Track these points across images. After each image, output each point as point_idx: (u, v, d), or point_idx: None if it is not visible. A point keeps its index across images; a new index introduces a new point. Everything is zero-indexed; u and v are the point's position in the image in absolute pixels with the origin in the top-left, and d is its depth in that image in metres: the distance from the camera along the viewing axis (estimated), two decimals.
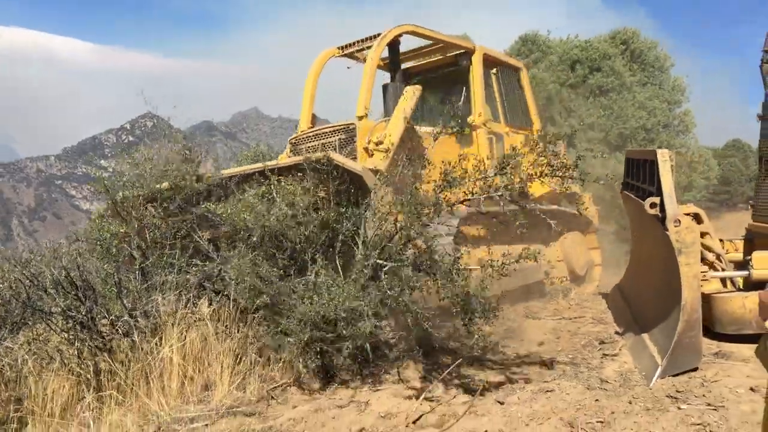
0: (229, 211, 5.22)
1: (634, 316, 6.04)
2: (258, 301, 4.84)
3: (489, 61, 8.89)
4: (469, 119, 8.33)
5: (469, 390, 4.81)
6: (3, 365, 4.75)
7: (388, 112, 8.04)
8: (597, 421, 4.00)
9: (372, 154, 6.90)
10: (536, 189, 8.40)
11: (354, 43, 8.19)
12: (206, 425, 4.17)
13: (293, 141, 8.03)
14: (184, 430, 4.10)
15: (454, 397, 4.71)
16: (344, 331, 4.63)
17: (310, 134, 7.89)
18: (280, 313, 4.82)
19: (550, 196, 8.87)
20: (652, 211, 5.05)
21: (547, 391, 4.61)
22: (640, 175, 5.91)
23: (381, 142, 6.92)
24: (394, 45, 8.43)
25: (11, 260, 5.43)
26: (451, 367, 5.06)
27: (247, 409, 4.36)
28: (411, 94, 7.34)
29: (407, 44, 9.13)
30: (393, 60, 8.60)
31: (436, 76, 9.31)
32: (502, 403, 4.44)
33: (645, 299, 5.87)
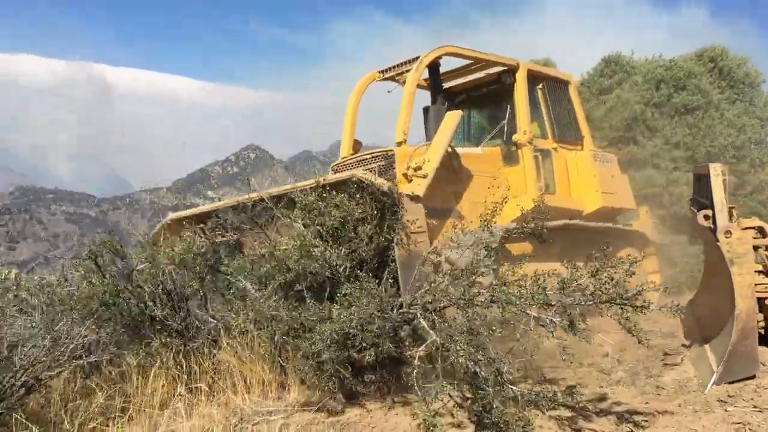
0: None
1: (700, 327, 6.12)
2: (278, 334, 5.00)
3: (534, 77, 8.75)
4: (514, 137, 8.22)
5: None
6: (111, 364, 5.47)
7: (429, 136, 8.11)
8: (642, 420, 4.21)
9: (411, 180, 6.83)
10: (588, 205, 8.50)
11: (394, 67, 8.26)
12: (282, 418, 4.67)
13: (335, 168, 8.14)
14: (263, 420, 4.62)
15: None
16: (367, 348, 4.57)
17: (352, 161, 7.95)
18: (302, 337, 4.88)
19: (604, 211, 8.64)
20: (705, 223, 5.20)
21: (601, 395, 4.85)
22: (701, 190, 6.05)
23: (420, 168, 6.87)
24: (434, 67, 8.45)
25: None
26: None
27: (317, 406, 4.83)
28: (452, 118, 7.27)
29: (448, 65, 9.15)
30: (434, 82, 8.62)
31: (481, 94, 9.24)
32: None
33: (708, 310, 5.95)
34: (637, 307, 4.12)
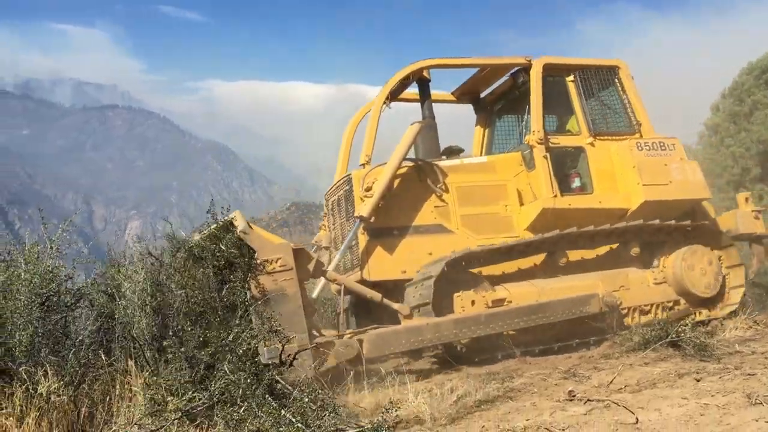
0: None
1: None
2: None
3: (559, 70, 8.26)
4: (525, 139, 7.86)
5: None
6: None
7: (416, 153, 7.95)
8: None
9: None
10: (632, 201, 7.82)
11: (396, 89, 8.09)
12: None
13: (326, 195, 8.24)
14: None
15: None
16: None
17: (333, 187, 8.03)
18: None
19: (652, 207, 7.82)
20: None
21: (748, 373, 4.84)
22: None
23: (370, 188, 6.96)
24: (423, 82, 8.23)
25: None
26: None
27: None
28: (409, 132, 7.25)
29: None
30: (422, 96, 8.33)
31: (515, 97, 8.81)
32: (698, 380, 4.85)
33: None
34: None
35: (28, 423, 3.95)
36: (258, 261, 5.45)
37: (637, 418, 4.02)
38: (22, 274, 4.61)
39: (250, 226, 5.77)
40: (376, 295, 6.67)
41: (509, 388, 5.30)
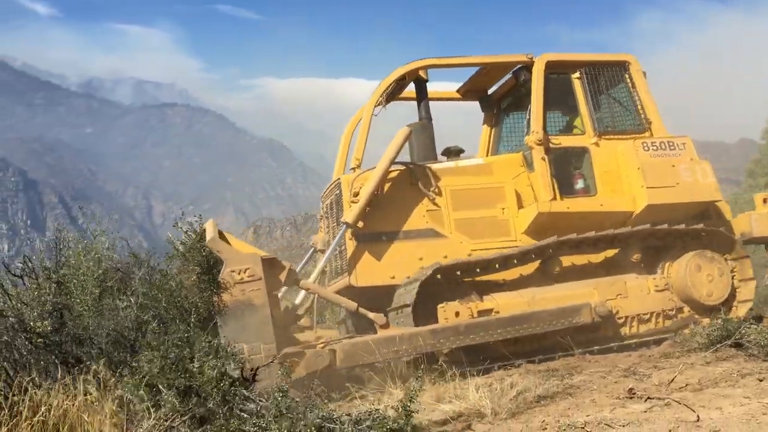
0: None
1: None
2: None
3: (564, 66, 7.93)
4: (526, 140, 7.58)
5: None
6: None
7: (411, 154, 7.80)
8: None
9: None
10: (636, 204, 7.47)
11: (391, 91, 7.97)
12: None
13: (322, 197, 8.17)
14: None
15: None
16: None
17: (327, 190, 7.92)
18: None
19: (657, 210, 7.43)
20: None
21: None
22: None
23: (357, 193, 6.86)
24: (419, 82, 8.04)
25: None
26: None
27: None
28: (399, 136, 7.13)
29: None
30: (419, 97, 8.10)
31: (522, 94, 8.29)
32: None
33: None
34: None
35: None
36: (226, 272, 5.50)
37: (698, 416, 4.04)
38: None
39: (223, 237, 5.85)
40: (351, 305, 6.58)
41: (569, 385, 5.37)
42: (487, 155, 9.09)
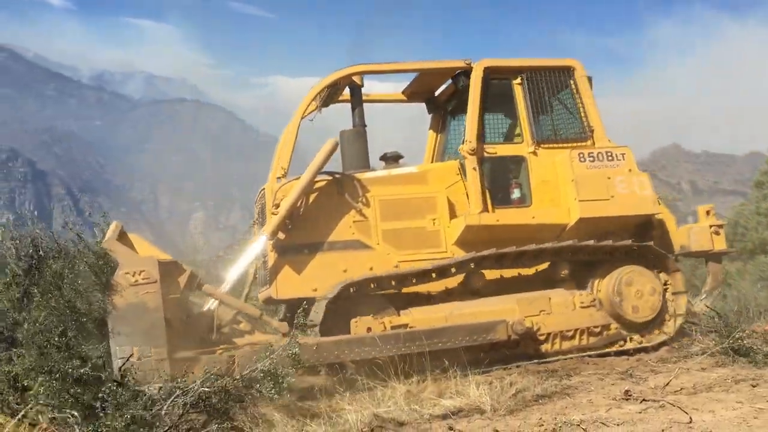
0: None
1: None
2: None
3: (505, 72, 7.65)
4: (459, 149, 7.36)
5: None
6: None
7: (343, 162, 7.62)
8: None
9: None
10: (570, 217, 7.24)
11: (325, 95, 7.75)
12: None
13: (255, 202, 7.90)
14: None
15: None
16: None
17: (257, 197, 7.71)
18: None
19: (591, 224, 7.22)
20: None
21: None
22: None
23: (278, 205, 6.74)
24: (354, 88, 7.82)
25: None
26: None
27: None
28: (326, 146, 6.95)
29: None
30: (353, 103, 7.87)
31: (467, 97, 7.67)
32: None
33: None
34: None
35: None
36: (120, 274, 5.45)
37: (690, 418, 4.18)
38: None
39: (126, 239, 5.85)
40: (254, 312, 6.57)
41: (567, 385, 5.52)
42: (432, 161, 8.84)
